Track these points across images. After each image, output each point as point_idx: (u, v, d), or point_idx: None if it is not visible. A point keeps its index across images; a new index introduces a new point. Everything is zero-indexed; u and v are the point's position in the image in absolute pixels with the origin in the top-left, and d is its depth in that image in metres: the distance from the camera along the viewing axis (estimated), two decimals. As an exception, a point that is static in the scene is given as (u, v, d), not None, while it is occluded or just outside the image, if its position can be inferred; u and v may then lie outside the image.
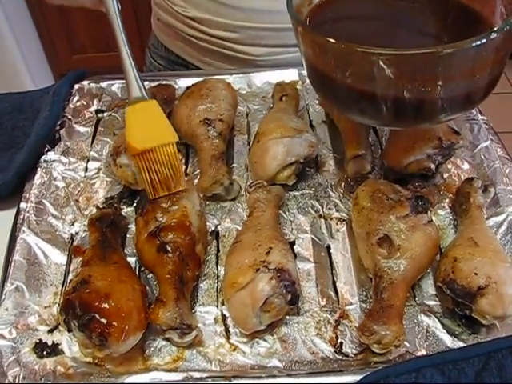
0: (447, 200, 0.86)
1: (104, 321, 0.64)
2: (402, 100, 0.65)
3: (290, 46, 1.11)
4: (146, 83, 1.03)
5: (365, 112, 0.73)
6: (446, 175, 0.89)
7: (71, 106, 1.03)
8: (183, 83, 1.06)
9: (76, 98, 1.04)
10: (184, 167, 0.92)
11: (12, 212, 0.86)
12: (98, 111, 1.03)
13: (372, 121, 0.78)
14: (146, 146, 0.75)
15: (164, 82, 1.04)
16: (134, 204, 0.87)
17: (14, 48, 3.02)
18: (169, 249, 0.72)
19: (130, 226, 0.84)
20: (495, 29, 0.61)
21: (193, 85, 0.96)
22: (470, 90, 0.67)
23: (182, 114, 0.91)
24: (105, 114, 1.03)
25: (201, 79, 0.99)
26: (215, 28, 1.17)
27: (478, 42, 0.59)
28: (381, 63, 0.61)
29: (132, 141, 0.75)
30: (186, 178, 0.89)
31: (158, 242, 0.73)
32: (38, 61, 3.38)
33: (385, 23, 0.76)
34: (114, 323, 0.65)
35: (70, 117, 1.00)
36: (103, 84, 1.07)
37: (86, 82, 1.08)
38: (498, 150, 0.91)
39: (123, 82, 1.05)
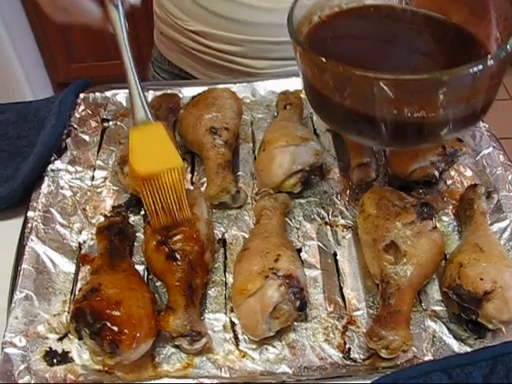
0: (451, 206, 0.87)
1: (115, 328, 0.65)
2: (400, 122, 0.67)
3: (293, 59, 1.12)
4: (150, 92, 1.05)
5: (363, 133, 0.73)
6: (449, 182, 0.90)
7: (77, 115, 1.03)
8: (188, 92, 1.06)
9: (81, 107, 1.05)
10: (190, 175, 0.93)
11: (19, 221, 0.87)
12: (103, 120, 1.04)
13: (370, 141, 0.79)
14: (150, 171, 0.73)
15: (169, 92, 1.05)
16: (141, 212, 0.87)
17: (13, 56, 3.03)
18: (178, 256, 0.73)
19: (137, 235, 0.84)
20: (491, 55, 0.62)
21: (198, 94, 0.97)
22: (469, 111, 0.68)
23: (188, 122, 0.92)
24: (110, 123, 1.04)
25: (205, 88, 1.00)
26: (218, 42, 1.17)
27: (475, 69, 0.61)
28: (379, 87, 0.62)
29: (136, 165, 0.74)
30: (191, 187, 0.91)
31: (167, 250, 0.74)
32: (36, 69, 3.39)
33: (383, 43, 0.78)
34: (126, 331, 0.65)
35: (75, 126, 1.01)
36: (108, 93, 1.08)
37: (91, 92, 1.08)
38: (500, 156, 0.92)
39: (128, 91, 1.07)
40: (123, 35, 0.77)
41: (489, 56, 0.61)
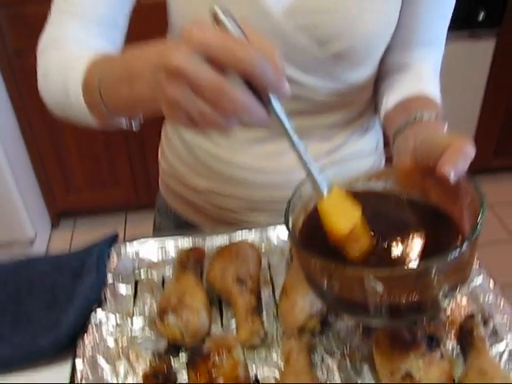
0: (452, 333, 0.97)
1: None
2: (392, 306, 0.77)
3: None
4: (171, 243, 1.18)
5: (357, 316, 0.85)
6: (448, 312, 1.01)
7: (111, 266, 1.14)
8: (210, 241, 1.19)
9: (114, 259, 1.16)
10: (219, 319, 1.04)
11: (65, 366, 0.96)
12: (135, 271, 1.15)
13: (365, 321, 0.91)
14: (351, 226, 0.80)
15: (192, 246, 1.17)
16: (179, 357, 0.97)
17: (13, 189, 3.17)
18: (223, 398, 0.83)
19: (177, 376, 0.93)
20: (467, 240, 0.74)
21: (221, 248, 1.11)
22: (457, 280, 0.80)
23: (216, 273, 1.04)
24: (142, 274, 1.15)
25: (225, 236, 1.15)
26: (226, 198, 1.28)
27: (454, 255, 0.72)
28: (369, 280, 0.73)
29: (340, 229, 0.80)
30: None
31: (212, 393, 0.84)
32: (35, 201, 3.53)
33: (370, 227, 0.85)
34: None
35: (110, 277, 1.12)
36: (137, 246, 1.20)
37: (121, 244, 1.20)
38: (491, 283, 1.04)
39: (157, 244, 1.19)
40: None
41: (465, 242, 0.74)
